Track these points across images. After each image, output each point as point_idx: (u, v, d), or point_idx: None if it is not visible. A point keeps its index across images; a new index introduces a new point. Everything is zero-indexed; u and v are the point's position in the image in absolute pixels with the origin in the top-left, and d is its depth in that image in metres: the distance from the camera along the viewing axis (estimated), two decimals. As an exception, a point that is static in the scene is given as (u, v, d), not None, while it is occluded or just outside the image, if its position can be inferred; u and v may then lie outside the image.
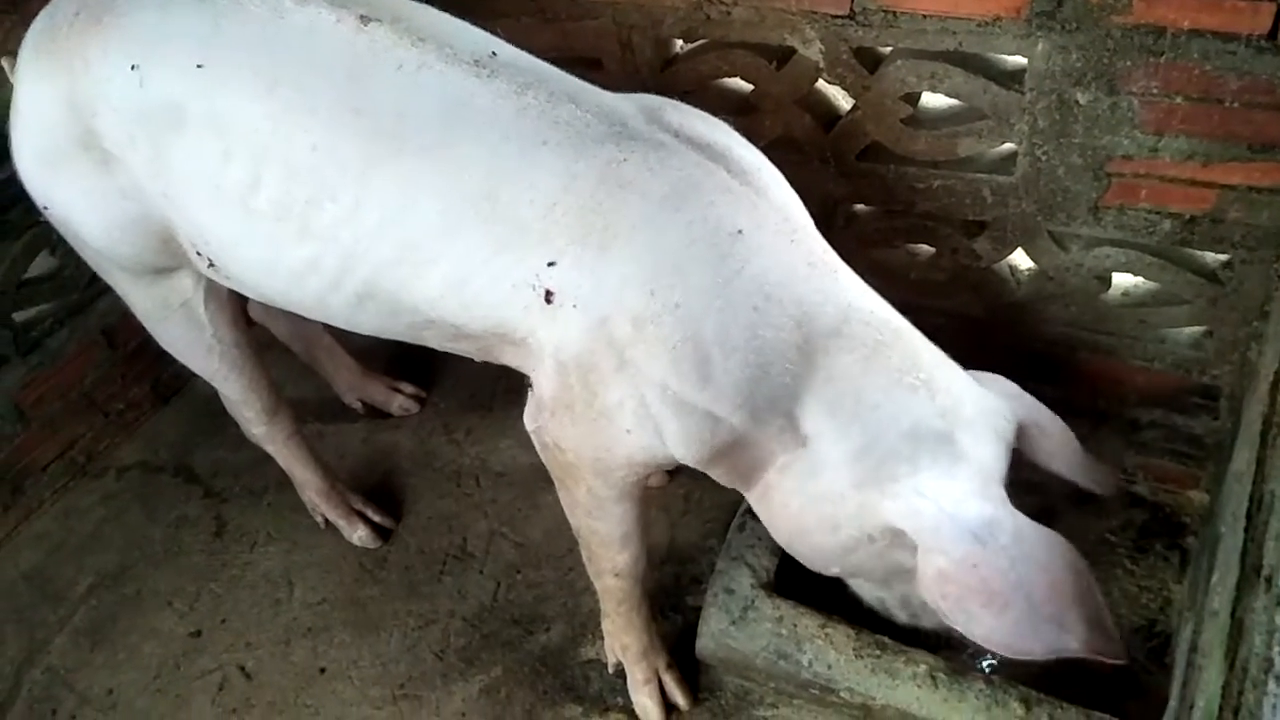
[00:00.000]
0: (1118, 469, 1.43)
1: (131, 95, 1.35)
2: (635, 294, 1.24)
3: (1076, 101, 1.55)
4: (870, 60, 1.72)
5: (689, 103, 1.42)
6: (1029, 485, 1.39)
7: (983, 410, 1.34)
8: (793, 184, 1.40)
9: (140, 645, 2.07)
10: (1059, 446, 1.42)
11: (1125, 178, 1.60)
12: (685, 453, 1.33)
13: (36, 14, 1.47)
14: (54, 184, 1.51)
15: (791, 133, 1.86)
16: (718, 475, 1.44)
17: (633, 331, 1.25)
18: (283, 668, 1.99)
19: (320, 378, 2.44)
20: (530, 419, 1.46)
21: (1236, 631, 1.13)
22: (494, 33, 1.41)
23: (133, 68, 1.34)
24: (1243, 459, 1.44)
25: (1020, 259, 1.92)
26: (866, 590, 1.58)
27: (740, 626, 1.69)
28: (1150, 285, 1.80)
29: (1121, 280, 1.83)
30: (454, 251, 1.30)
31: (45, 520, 2.37)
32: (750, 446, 1.36)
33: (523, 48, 1.40)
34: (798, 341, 1.27)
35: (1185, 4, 1.37)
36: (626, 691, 1.81)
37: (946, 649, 1.61)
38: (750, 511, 1.81)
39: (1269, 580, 1.05)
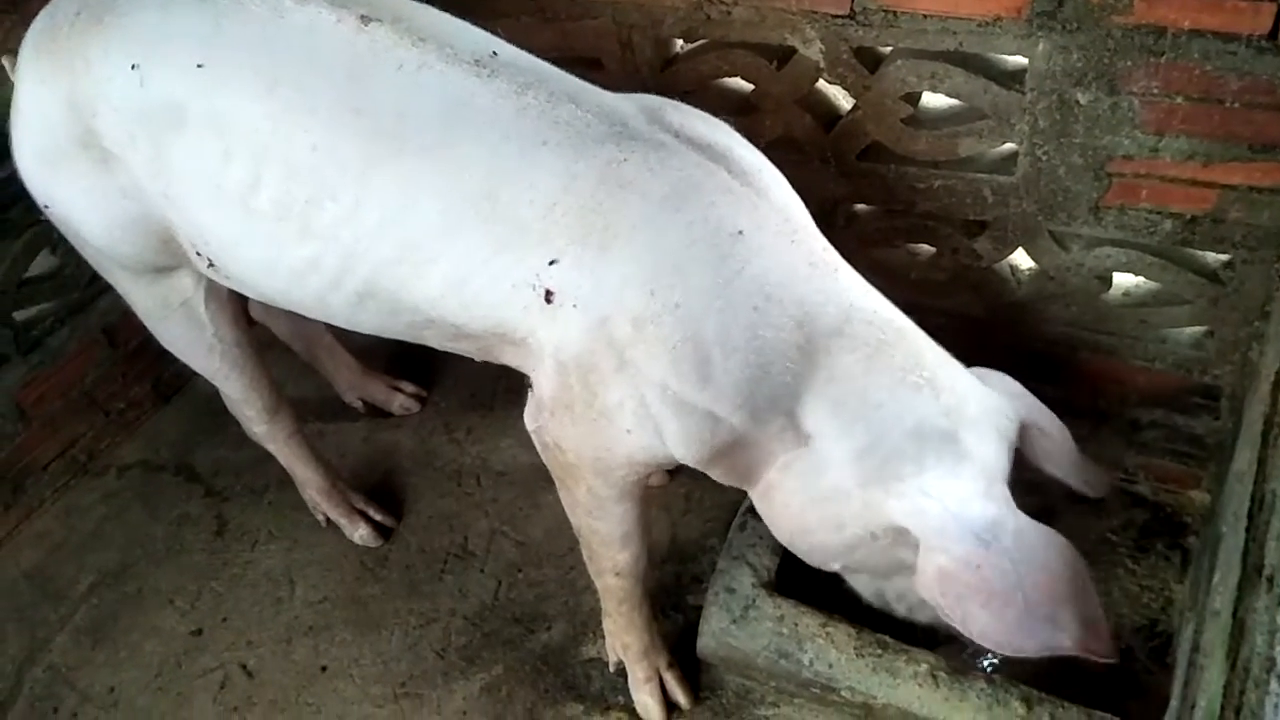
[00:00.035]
0: (1113, 472, 1.43)
1: (132, 95, 1.35)
2: (635, 294, 1.24)
3: (1077, 101, 1.54)
4: (871, 60, 1.72)
5: (689, 103, 1.42)
6: (1029, 485, 1.40)
7: (986, 409, 1.35)
8: (793, 184, 1.40)
9: (141, 643, 2.08)
10: (1056, 447, 1.43)
11: (1126, 178, 1.60)
12: (685, 453, 1.33)
13: (37, 13, 1.47)
14: (54, 183, 1.51)
15: (792, 133, 1.86)
16: (718, 475, 1.44)
17: (633, 332, 1.25)
18: (284, 666, 2.00)
19: (321, 377, 2.44)
20: (530, 419, 1.46)
21: (1238, 631, 1.13)
22: (494, 32, 1.41)
23: (133, 67, 1.35)
24: (1244, 459, 1.44)
25: (1021, 259, 1.92)
26: (864, 583, 1.58)
27: (741, 625, 1.69)
28: (1151, 285, 1.80)
29: (1122, 280, 1.83)
30: (454, 251, 1.30)
31: (46, 519, 2.37)
32: (751, 446, 1.36)
33: (523, 47, 1.40)
34: (799, 341, 1.27)
35: (1186, 4, 1.37)
36: (627, 690, 1.81)
37: (945, 645, 1.61)
38: (751, 511, 1.81)
39: (1270, 580, 1.05)
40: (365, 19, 1.31)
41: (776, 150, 1.44)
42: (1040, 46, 1.51)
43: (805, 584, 1.68)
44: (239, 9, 1.32)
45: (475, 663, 1.94)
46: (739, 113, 1.87)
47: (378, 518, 2.20)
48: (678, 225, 1.25)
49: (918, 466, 1.28)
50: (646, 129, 1.31)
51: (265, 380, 1.94)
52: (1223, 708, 1.08)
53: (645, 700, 1.78)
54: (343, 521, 2.18)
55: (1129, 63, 1.46)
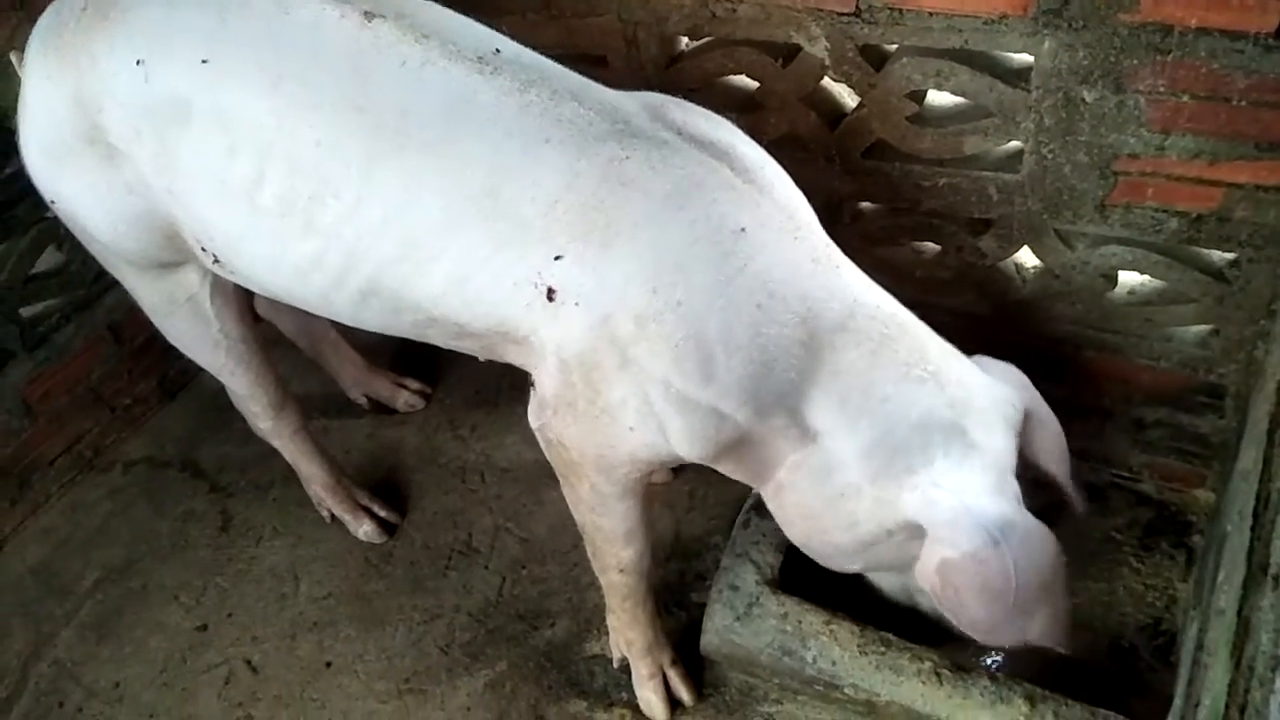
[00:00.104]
0: (1085, 499, 1.48)
1: (137, 90, 1.36)
2: (638, 292, 1.24)
3: (1083, 99, 1.54)
4: (876, 58, 1.71)
5: (694, 100, 1.42)
6: (1034, 482, 1.40)
7: (993, 399, 1.35)
8: (797, 181, 1.40)
9: (146, 639, 2.08)
10: (1051, 445, 1.43)
11: (1132, 176, 1.60)
12: (690, 450, 1.33)
13: (43, 10, 1.48)
14: (60, 178, 1.51)
15: (796, 130, 1.86)
16: (727, 470, 1.45)
17: (635, 329, 1.25)
18: (288, 662, 2.00)
19: (326, 373, 2.45)
20: (534, 416, 1.46)
21: (1243, 629, 1.12)
22: (499, 29, 1.41)
23: (138, 63, 1.35)
24: (1249, 457, 1.44)
25: (1026, 257, 1.91)
26: (888, 580, 1.58)
27: (745, 623, 1.69)
28: (1156, 283, 1.79)
29: (1127, 278, 1.83)
30: (456, 248, 1.30)
31: (52, 515, 2.38)
32: (757, 442, 1.36)
33: (528, 44, 1.40)
34: (802, 338, 1.27)
35: (1193, 2, 1.36)
36: (631, 687, 1.81)
37: (951, 641, 1.61)
38: (755, 508, 1.82)
39: (1275, 578, 1.05)
40: (369, 15, 1.31)
41: (781, 148, 1.44)
42: (1046, 44, 1.50)
43: (809, 582, 1.68)
44: (244, 5, 1.33)
45: (479, 659, 1.95)
46: (744, 110, 1.87)
47: (382, 514, 2.21)
48: (680, 223, 1.25)
49: (926, 459, 1.29)
50: (649, 126, 1.31)
51: (271, 376, 1.95)
52: (1227, 706, 1.07)
53: (649, 697, 1.78)
54: (347, 518, 2.19)
55: (1135, 61, 1.46)
